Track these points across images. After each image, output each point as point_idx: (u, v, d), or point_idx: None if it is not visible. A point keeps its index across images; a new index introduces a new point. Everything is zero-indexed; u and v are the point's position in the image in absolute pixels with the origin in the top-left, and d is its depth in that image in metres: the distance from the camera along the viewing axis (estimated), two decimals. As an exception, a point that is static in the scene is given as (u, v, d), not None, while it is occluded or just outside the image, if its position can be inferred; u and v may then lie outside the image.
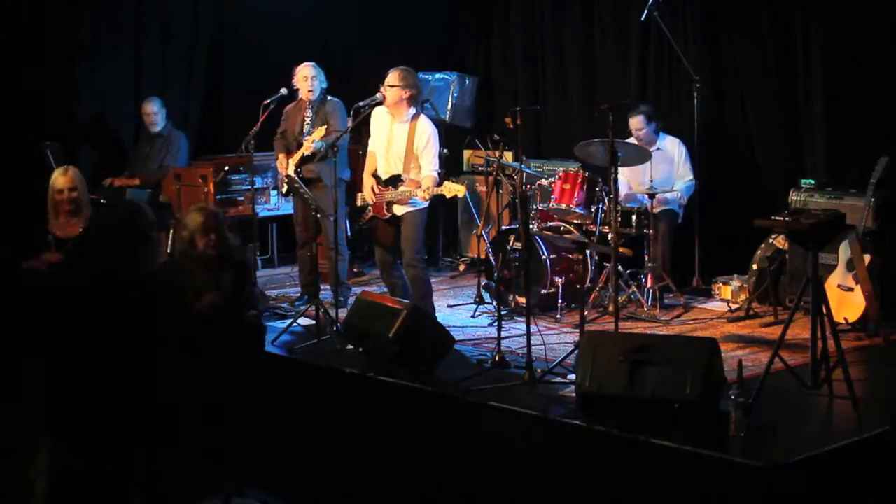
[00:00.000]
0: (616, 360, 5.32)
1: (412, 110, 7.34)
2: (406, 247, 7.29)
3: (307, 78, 8.07)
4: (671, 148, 8.26)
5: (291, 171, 7.89)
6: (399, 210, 7.32)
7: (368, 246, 9.93)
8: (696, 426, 5.10)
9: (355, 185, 8.09)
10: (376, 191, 7.32)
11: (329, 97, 8.11)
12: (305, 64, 8.13)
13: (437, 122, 9.24)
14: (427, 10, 10.45)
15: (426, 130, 7.27)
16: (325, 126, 7.89)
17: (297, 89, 8.15)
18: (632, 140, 8.21)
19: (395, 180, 7.28)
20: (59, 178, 6.65)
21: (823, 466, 4.93)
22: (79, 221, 6.53)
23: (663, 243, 7.98)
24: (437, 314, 7.42)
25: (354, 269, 8.92)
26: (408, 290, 7.40)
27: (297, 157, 7.93)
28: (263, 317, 7.45)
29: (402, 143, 7.29)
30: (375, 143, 7.48)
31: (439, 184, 7.20)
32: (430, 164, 7.25)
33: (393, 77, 7.26)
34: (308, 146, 7.86)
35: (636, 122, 8.18)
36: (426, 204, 7.33)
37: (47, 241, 6.52)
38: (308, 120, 8.03)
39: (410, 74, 7.32)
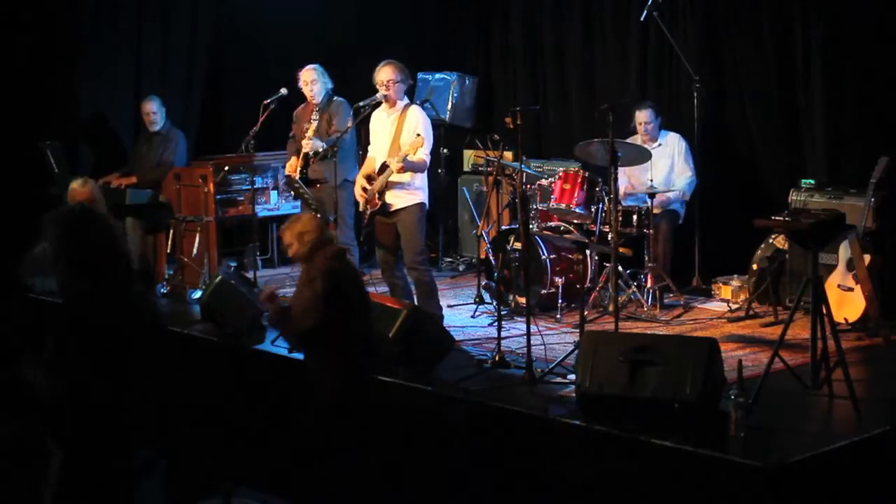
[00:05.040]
0: (616, 360, 5.32)
1: (405, 100, 7.38)
2: (406, 249, 7.26)
3: (307, 83, 8.05)
4: (672, 143, 8.28)
5: (297, 174, 7.89)
6: (391, 198, 7.25)
7: (369, 246, 9.95)
8: (696, 426, 5.10)
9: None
10: (367, 187, 7.32)
11: (335, 98, 8.08)
12: (307, 68, 8.11)
13: (437, 122, 9.27)
14: (427, 10, 10.46)
15: (417, 118, 7.25)
16: (321, 121, 7.90)
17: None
18: (635, 138, 8.22)
19: (383, 168, 7.28)
20: (78, 189, 6.58)
21: (823, 466, 4.93)
22: None
23: (663, 243, 7.99)
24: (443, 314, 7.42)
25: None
26: (409, 290, 7.39)
27: (300, 158, 7.94)
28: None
29: (392, 132, 7.29)
30: (374, 145, 7.50)
31: (418, 165, 7.16)
32: (422, 148, 7.19)
33: (391, 71, 7.26)
34: (307, 144, 7.86)
35: (644, 115, 8.20)
36: (421, 199, 7.27)
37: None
38: (314, 122, 8.02)
39: (402, 66, 7.36)
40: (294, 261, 6.07)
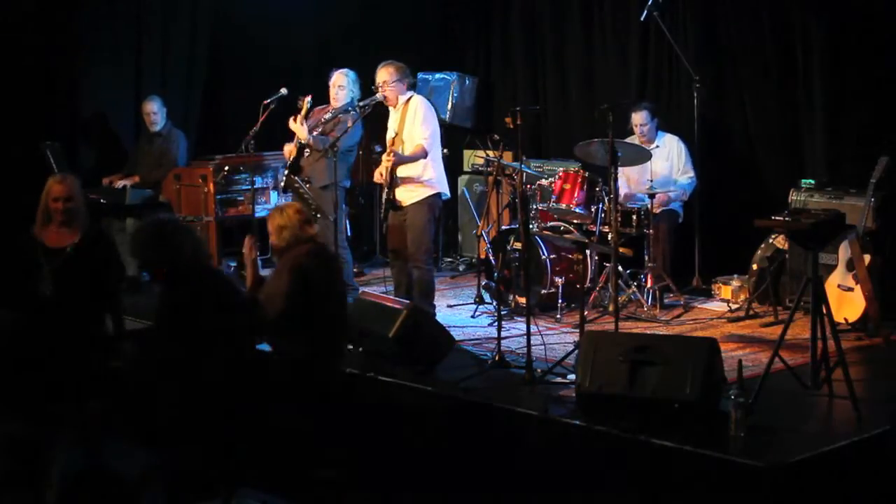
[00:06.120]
0: (616, 360, 5.32)
1: (408, 94, 7.43)
2: (413, 247, 7.28)
3: (335, 85, 8.04)
4: (670, 145, 8.27)
5: (289, 164, 7.89)
6: (401, 195, 7.29)
7: (368, 245, 9.97)
8: (696, 426, 5.10)
9: (354, 189, 8.11)
10: (384, 175, 7.32)
11: (352, 110, 8.06)
12: (340, 71, 8.10)
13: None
14: (426, 10, 10.46)
15: (416, 105, 7.33)
16: (330, 121, 7.91)
17: None
18: (632, 139, 8.22)
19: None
20: (56, 186, 6.22)
21: (823, 466, 4.93)
22: (72, 233, 6.10)
23: (663, 243, 7.98)
24: (437, 314, 7.42)
25: (354, 269, 8.93)
26: (412, 289, 7.40)
27: (293, 145, 7.94)
28: None
29: (396, 126, 7.38)
30: (388, 139, 7.56)
31: (415, 154, 7.20)
32: (417, 134, 7.25)
33: (388, 73, 7.33)
34: (297, 128, 7.84)
35: (640, 117, 8.19)
36: (433, 191, 7.29)
37: (34, 248, 6.22)
38: (323, 121, 8.02)
39: (402, 65, 7.41)
40: (273, 251, 6.12)
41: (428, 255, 7.35)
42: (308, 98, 7.95)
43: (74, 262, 5.94)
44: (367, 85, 7.64)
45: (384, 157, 7.26)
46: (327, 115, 7.99)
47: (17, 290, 5.91)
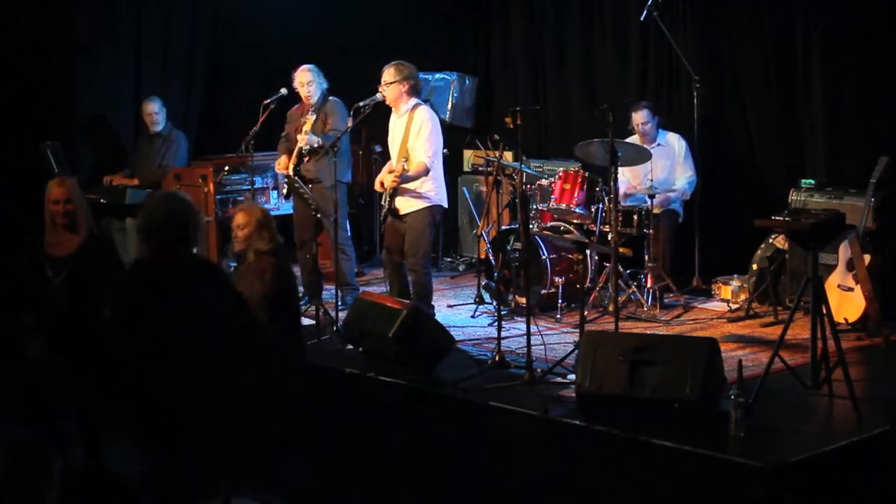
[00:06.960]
0: (616, 360, 5.32)
1: (412, 101, 7.34)
2: (409, 251, 7.27)
3: (303, 84, 8.06)
4: (672, 143, 8.28)
5: (290, 171, 7.89)
6: (400, 203, 7.28)
7: (368, 246, 9.96)
8: (696, 426, 5.10)
9: (354, 189, 8.09)
10: (386, 183, 7.32)
11: (330, 98, 8.09)
12: (302, 69, 8.12)
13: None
14: (426, 11, 10.45)
15: (422, 119, 7.25)
16: (317, 119, 7.90)
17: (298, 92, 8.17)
18: (632, 139, 8.22)
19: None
20: (55, 189, 6.02)
21: (823, 466, 4.93)
22: (74, 238, 5.92)
23: (663, 243, 7.99)
24: (437, 314, 7.43)
25: (354, 269, 8.93)
26: (408, 291, 7.39)
27: (294, 154, 7.94)
28: None
29: (400, 135, 7.33)
30: (390, 146, 7.53)
31: (418, 173, 7.17)
32: (421, 151, 7.21)
33: (389, 73, 7.29)
34: (302, 139, 7.86)
35: (641, 116, 8.19)
36: (431, 203, 7.28)
37: (42, 265, 5.98)
38: (311, 119, 8.01)
39: (406, 66, 7.33)
40: (242, 244, 6.11)
41: (426, 260, 7.34)
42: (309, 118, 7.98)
43: (78, 270, 5.88)
44: (366, 85, 7.64)
45: (390, 175, 7.22)
46: (310, 116, 7.99)
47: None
